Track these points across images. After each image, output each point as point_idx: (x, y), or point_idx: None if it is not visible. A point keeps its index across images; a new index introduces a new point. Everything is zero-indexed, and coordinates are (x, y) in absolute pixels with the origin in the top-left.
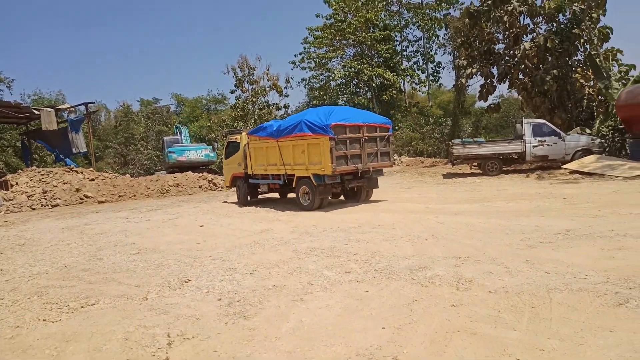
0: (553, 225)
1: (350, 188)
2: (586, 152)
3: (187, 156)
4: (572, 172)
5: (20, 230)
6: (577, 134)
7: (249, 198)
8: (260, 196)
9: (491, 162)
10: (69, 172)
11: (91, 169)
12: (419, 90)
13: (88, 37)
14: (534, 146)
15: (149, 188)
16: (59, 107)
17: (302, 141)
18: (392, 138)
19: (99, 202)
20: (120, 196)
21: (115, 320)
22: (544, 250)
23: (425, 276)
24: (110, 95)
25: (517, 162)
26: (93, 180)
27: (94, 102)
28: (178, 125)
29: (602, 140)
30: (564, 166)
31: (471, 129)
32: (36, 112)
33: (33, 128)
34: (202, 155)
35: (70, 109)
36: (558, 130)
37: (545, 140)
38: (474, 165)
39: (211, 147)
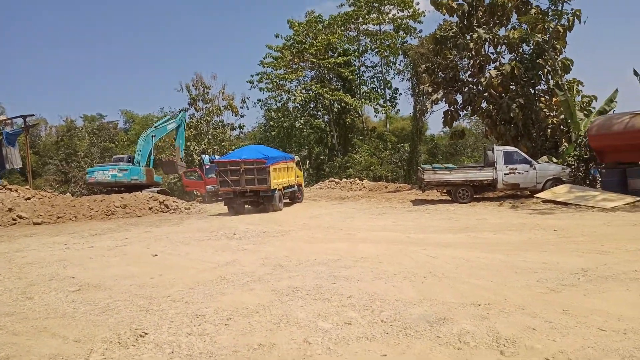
0: (562, 262)
1: (245, 201)
2: (556, 181)
3: (95, 177)
4: (546, 201)
5: None
6: (546, 162)
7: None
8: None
9: (462, 189)
10: (1, 189)
11: (27, 186)
12: (377, 114)
13: (30, 49)
14: (505, 174)
15: (92, 209)
16: None
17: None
18: (268, 169)
19: (35, 224)
20: (59, 217)
21: None
22: (573, 296)
23: (452, 332)
24: (52, 110)
25: (487, 190)
26: (29, 199)
27: (33, 115)
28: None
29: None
30: (537, 195)
31: (427, 155)
32: None
33: None
34: (108, 176)
35: (7, 122)
36: (529, 159)
37: (516, 168)
38: (444, 192)
39: (126, 165)
